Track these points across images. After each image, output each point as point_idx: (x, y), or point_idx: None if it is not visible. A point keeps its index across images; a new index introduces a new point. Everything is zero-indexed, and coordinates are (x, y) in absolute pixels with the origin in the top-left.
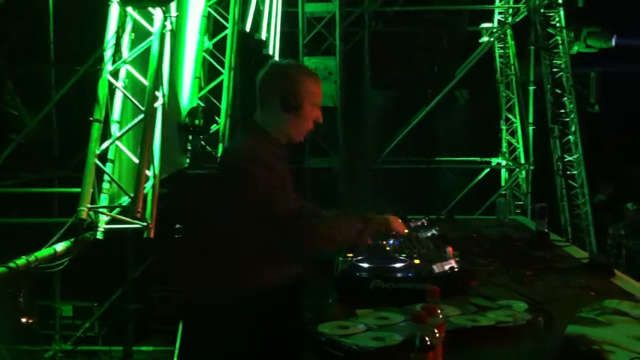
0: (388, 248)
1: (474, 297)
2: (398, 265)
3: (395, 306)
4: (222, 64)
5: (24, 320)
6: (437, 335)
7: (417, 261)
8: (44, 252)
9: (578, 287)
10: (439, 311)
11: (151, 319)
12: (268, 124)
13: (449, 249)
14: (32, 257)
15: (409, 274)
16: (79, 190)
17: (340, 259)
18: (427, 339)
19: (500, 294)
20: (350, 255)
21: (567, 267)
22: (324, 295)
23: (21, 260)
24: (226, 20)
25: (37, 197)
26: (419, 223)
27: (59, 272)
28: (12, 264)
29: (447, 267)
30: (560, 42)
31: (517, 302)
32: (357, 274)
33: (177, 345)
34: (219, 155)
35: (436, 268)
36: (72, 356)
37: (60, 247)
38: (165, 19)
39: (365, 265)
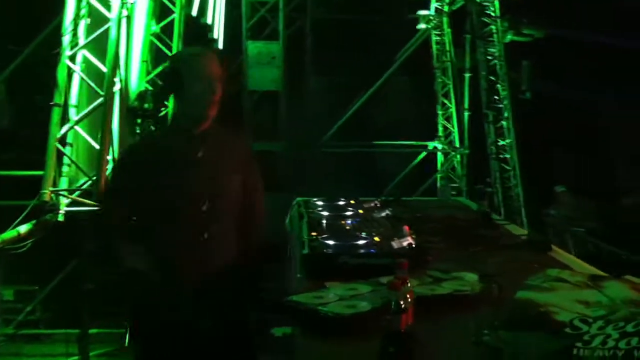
0: (348, 227)
1: (429, 270)
2: (361, 242)
3: (360, 279)
4: (168, 48)
5: None
6: (409, 300)
7: (377, 239)
8: (9, 234)
9: (521, 261)
10: (408, 281)
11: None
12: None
13: (406, 228)
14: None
15: (372, 250)
16: (39, 172)
17: (306, 237)
18: (402, 302)
19: (452, 268)
20: (315, 234)
21: (509, 244)
22: (291, 272)
23: None
24: (173, 4)
25: None
26: (372, 205)
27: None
28: None
29: (405, 244)
30: (494, 31)
31: (468, 273)
32: (325, 251)
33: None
34: None
35: (395, 244)
36: (14, 340)
37: (23, 229)
38: (122, 5)
39: (332, 242)
